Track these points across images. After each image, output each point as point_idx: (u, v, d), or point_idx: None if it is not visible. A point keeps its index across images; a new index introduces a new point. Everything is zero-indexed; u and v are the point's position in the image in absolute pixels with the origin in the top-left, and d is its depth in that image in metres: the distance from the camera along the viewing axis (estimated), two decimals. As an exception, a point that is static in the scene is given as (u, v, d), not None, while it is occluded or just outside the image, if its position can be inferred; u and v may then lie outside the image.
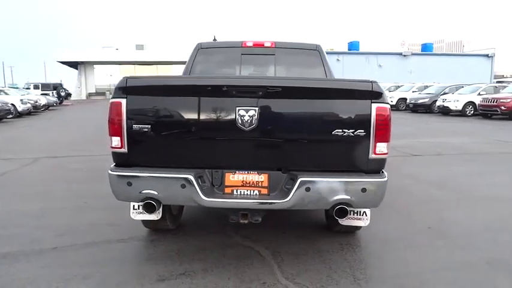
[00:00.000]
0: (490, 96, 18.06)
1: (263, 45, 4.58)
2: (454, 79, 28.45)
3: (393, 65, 38.90)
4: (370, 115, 2.64)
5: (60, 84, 38.78)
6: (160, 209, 3.31)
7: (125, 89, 2.71)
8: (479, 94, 19.47)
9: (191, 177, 2.62)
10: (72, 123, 16.55)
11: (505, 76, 57.83)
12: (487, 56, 41.45)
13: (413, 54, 41.76)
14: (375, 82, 2.66)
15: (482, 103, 18.03)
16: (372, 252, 3.32)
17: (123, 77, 2.75)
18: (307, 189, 2.60)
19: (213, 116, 2.71)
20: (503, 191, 5.32)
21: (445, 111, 20.26)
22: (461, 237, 3.66)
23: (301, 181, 2.59)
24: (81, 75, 45.99)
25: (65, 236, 3.66)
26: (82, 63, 44.78)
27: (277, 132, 2.71)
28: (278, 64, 4.53)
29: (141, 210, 3.31)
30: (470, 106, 19.42)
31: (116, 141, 2.76)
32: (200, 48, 4.58)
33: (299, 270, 2.96)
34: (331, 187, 2.62)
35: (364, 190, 2.62)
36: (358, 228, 3.54)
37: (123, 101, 2.71)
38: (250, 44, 4.57)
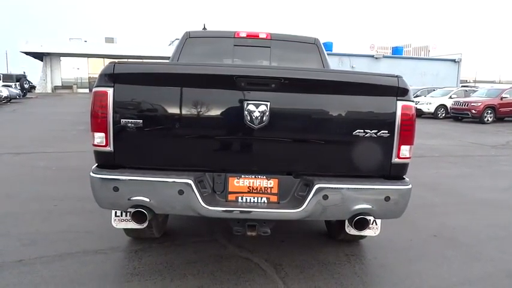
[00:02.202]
0: (461, 100, 18.46)
1: (258, 36, 4.22)
2: (423, 82, 28.90)
3: (365, 67, 39.29)
4: (395, 114, 2.34)
5: (24, 76, 36.67)
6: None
7: (112, 76, 2.28)
8: (450, 97, 19.89)
9: (191, 182, 2.23)
10: (37, 117, 15.52)
11: (468, 81, 59.95)
12: (454, 61, 42.66)
13: (384, 57, 42.44)
14: (401, 77, 2.36)
15: (454, 106, 18.39)
16: (383, 265, 3.04)
17: (110, 62, 2.32)
18: (325, 197, 2.26)
19: (216, 110, 2.32)
20: (495, 195, 5.21)
21: (418, 114, 20.53)
22: (470, 246, 3.45)
23: (318, 188, 2.26)
24: (47, 67, 43.77)
25: (32, 246, 3.17)
26: (48, 54, 42.60)
27: (291, 132, 2.36)
28: (273, 57, 4.18)
29: (124, 217, 2.91)
30: (442, 109, 19.79)
31: (99, 137, 2.33)
32: (188, 38, 4.16)
33: (307, 287, 2.63)
34: (351, 195, 2.30)
35: (387, 199, 2.32)
36: (363, 237, 3.26)
37: (110, 91, 2.28)
38: (243, 34, 4.20)
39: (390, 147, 2.37)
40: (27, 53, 43.22)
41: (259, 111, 2.27)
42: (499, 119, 17.80)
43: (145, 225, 2.91)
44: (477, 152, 9.15)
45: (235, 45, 4.18)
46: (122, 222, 2.95)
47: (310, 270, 2.87)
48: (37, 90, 41.52)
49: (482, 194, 5.25)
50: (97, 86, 2.33)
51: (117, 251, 3.12)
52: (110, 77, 2.28)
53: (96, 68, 37.93)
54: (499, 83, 64.77)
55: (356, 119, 2.35)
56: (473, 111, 17.35)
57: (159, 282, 2.64)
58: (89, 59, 43.61)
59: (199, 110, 2.31)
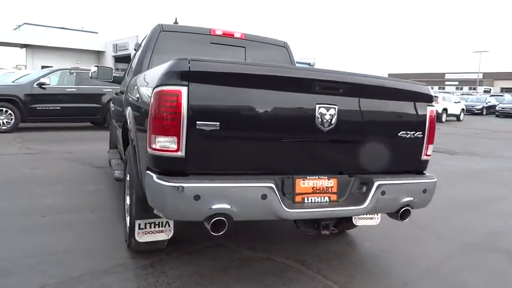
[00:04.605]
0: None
1: (233, 35, 4.17)
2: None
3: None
4: (426, 117, 2.70)
5: None
6: (172, 226, 2.75)
7: (186, 74, 2.07)
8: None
9: (273, 186, 2.19)
10: None
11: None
12: (309, 64, 47.46)
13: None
14: (428, 86, 2.74)
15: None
16: (385, 249, 3.41)
17: (181, 59, 2.10)
18: (383, 193, 2.49)
19: (290, 113, 2.33)
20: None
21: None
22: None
23: (378, 184, 2.47)
24: None
25: (14, 276, 2.60)
26: None
27: (351, 133, 2.51)
28: (248, 58, 4.20)
29: (149, 229, 2.65)
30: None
31: (168, 142, 2.09)
32: (162, 31, 3.86)
33: (346, 276, 2.82)
34: (402, 189, 2.58)
35: (424, 191, 2.67)
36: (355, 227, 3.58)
37: (184, 90, 2.07)
38: (219, 32, 4.10)
39: (421, 146, 2.73)
40: None
41: (329, 114, 2.36)
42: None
43: (170, 235, 2.75)
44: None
45: (211, 43, 4.06)
46: (146, 235, 2.69)
47: (333, 262, 3.06)
48: None
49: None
50: (165, 85, 2.09)
51: (128, 269, 2.77)
52: (184, 75, 2.07)
53: None
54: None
55: (401, 121, 2.64)
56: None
57: (208, 294, 2.49)
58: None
59: (273, 112, 2.27)
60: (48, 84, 10.36)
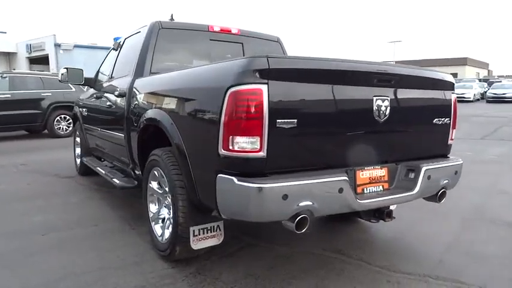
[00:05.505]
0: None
1: (230, 31, 4.11)
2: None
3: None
4: (451, 104, 2.92)
5: None
6: (222, 230, 2.69)
7: (266, 71, 2.02)
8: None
9: (347, 179, 2.24)
10: None
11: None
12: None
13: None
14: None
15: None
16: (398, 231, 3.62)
17: (258, 56, 2.05)
18: (429, 178, 2.65)
19: (355, 106, 2.39)
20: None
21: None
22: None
23: (425, 170, 2.62)
24: None
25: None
26: None
27: (399, 123, 2.62)
28: (247, 53, 4.17)
29: (203, 235, 2.57)
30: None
31: (249, 142, 2.03)
32: (161, 28, 3.68)
33: (387, 260, 2.95)
34: (442, 173, 2.76)
35: (456, 173, 2.89)
36: None
37: (264, 88, 2.02)
38: (217, 28, 4.01)
39: (449, 132, 2.95)
40: None
41: (384, 106, 2.46)
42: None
43: (220, 239, 2.69)
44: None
45: (210, 40, 3.96)
46: (200, 242, 2.59)
47: (365, 248, 3.18)
48: None
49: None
50: (243, 84, 2.02)
51: (178, 279, 2.62)
52: (264, 72, 2.02)
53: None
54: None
55: (435, 109, 2.83)
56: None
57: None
58: None
59: (341, 106, 2.32)
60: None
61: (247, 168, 2.07)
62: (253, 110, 2.01)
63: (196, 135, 2.41)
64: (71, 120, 10.77)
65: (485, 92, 31.16)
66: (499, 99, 28.01)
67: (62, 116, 10.67)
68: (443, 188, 2.79)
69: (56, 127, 10.60)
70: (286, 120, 2.08)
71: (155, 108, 2.93)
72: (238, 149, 2.05)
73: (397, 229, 3.65)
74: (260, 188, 1.98)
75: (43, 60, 28.57)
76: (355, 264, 2.91)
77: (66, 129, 10.78)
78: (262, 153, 2.05)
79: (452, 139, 3.00)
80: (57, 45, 27.24)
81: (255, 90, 2.01)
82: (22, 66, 29.77)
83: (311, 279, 2.67)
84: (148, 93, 3.19)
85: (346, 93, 2.32)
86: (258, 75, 2.02)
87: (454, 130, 2.99)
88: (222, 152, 2.10)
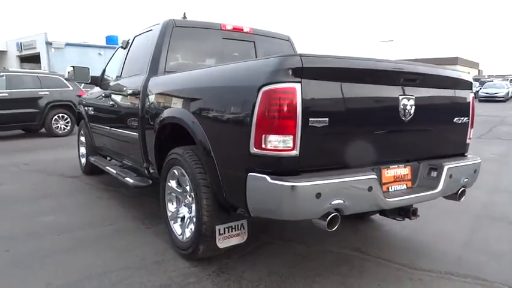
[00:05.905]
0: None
1: (242, 30, 4.10)
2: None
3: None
4: (469, 103, 2.96)
5: None
6: (246, 228, 2.70)
7: (299, 70, 2.02)
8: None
9: (376, 177, 2.25)
10: None
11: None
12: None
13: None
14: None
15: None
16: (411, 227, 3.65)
17: (291, 54, 2.05)
18: (450, 176, 2.67)
19: (382, 105, 2.41)
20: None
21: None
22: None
23: (448, 168, 2.65)
24: None
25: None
26: None
27: (423, 122, 2.64)
28: (259, 52, 4.17)
29: (228, 233, 2.57)
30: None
31: (282, 141, 2.03)
32: (175, 27, 3.66)
33: (408, 258, 2.97)
34: (462, 171, 2.79)
35: (475, 171, 2.92)
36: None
37: (298, 87, 2.02)
38: (230, 27, 4.00)
39: (467, 130, 2.98)
40: None
41: (409, 105, 2.48)
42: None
43: (244, 238, 2.69)
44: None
45: (223, 38, 3.95)
46: (226, 240, 2.58)
47: (382, 246, 3.21)
48: None
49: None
50: (276, 82, 2.02)
51: (202, 278, 2.62)
52: (297, 71, 2.02)
53: None
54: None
55: (455, 108, 2.86)
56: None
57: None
58: None
59: (370, 105, 2.34)
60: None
61: (279, 166, 2.07)
62: (286, 108, 2.01)
63: (224, 134, 2.41)
64: (69, 119, 10.69)
65: (477, 91, 31.50)
66: (491, 99, 28.38)
67: (60, 114, 10.57)
68: (463, 186, 2.82)
69: (53, 126, 10.50)
70: (318, 119, 2.09)
71: (176, 106, 2.92)
72: (271, 148, 2.05)
73: (411, 227, 3.68)
74: (294, 187, 1.99)
75: (34, 59, 28.21)
76: (374, 261, 2.92)
77: (64, 128, 10.69)
78: (295, 152, 2.06)
79: (470, 138, 3.03)
80: (49, 44, 26.86)
81: (289, 89, 2.01)
82: (12, 64, 29.36)
83: (334, 277, 2.68)
84: (167, 91, 3.16)
85: (374, 92, 2.35)
86: (291, 74, 2.02)
87: (471, 129, 3.02)
88: (253, 150, 2.10)
